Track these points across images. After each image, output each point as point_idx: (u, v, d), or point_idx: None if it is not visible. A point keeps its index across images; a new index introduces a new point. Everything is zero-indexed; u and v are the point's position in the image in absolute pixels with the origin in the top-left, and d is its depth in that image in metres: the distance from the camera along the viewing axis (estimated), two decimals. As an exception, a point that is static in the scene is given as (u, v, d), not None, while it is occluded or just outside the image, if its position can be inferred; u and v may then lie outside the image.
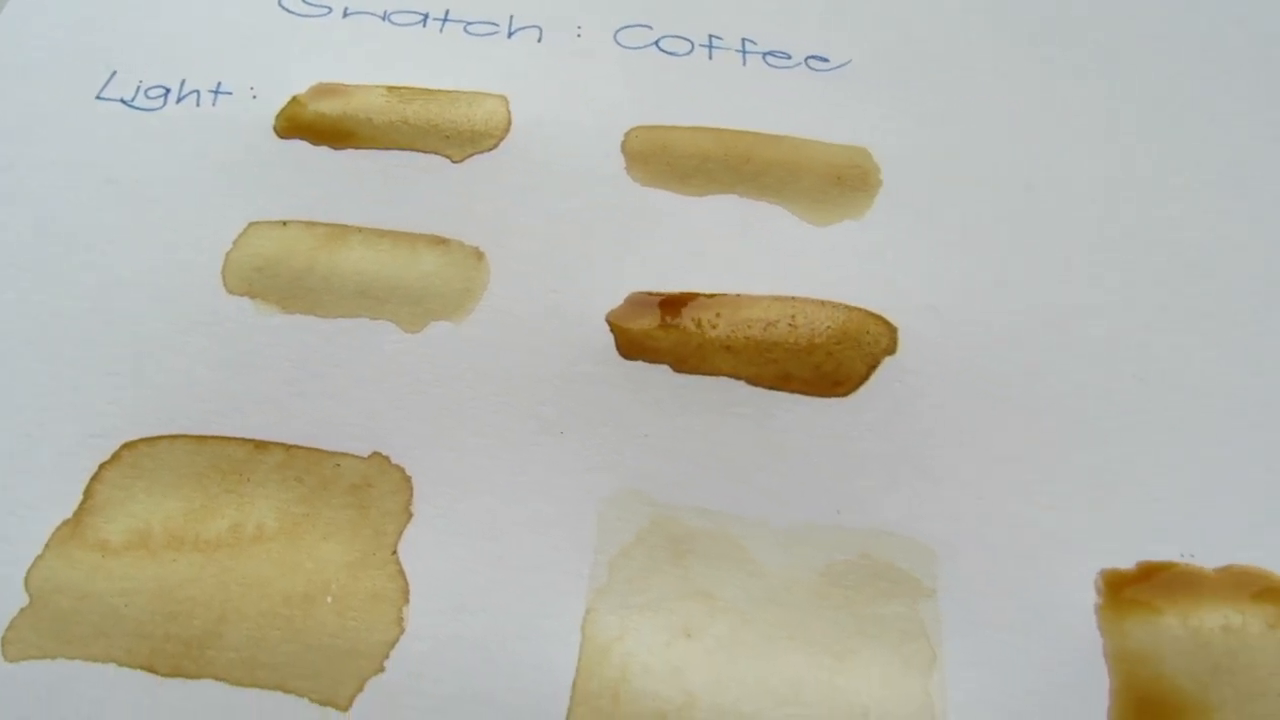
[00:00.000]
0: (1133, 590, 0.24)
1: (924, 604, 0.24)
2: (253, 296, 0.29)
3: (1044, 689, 0.23)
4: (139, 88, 0.33)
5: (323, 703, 0.23)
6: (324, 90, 0.33)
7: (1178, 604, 0.24)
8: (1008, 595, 0.24)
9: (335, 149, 0.31)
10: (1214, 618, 0.24)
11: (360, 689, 0.23)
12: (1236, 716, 0.23)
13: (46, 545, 0.25)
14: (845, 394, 0.27)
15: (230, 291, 0.29)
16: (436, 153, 0.31)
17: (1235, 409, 0.27)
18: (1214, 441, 0.26)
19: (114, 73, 0.33)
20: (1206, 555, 0.25)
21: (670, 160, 0.31)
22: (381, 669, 0.24)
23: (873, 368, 0.27)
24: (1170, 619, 0.24)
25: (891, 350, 0.28)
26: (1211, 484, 0.26)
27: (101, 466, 0.26)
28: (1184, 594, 0.24)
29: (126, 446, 0.27)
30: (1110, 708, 0.23)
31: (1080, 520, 0.25)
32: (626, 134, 0.32)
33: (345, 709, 0.23)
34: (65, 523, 0.26)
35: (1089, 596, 0.24)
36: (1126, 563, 0.25)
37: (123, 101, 0.33)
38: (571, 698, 0.23)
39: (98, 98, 0.33)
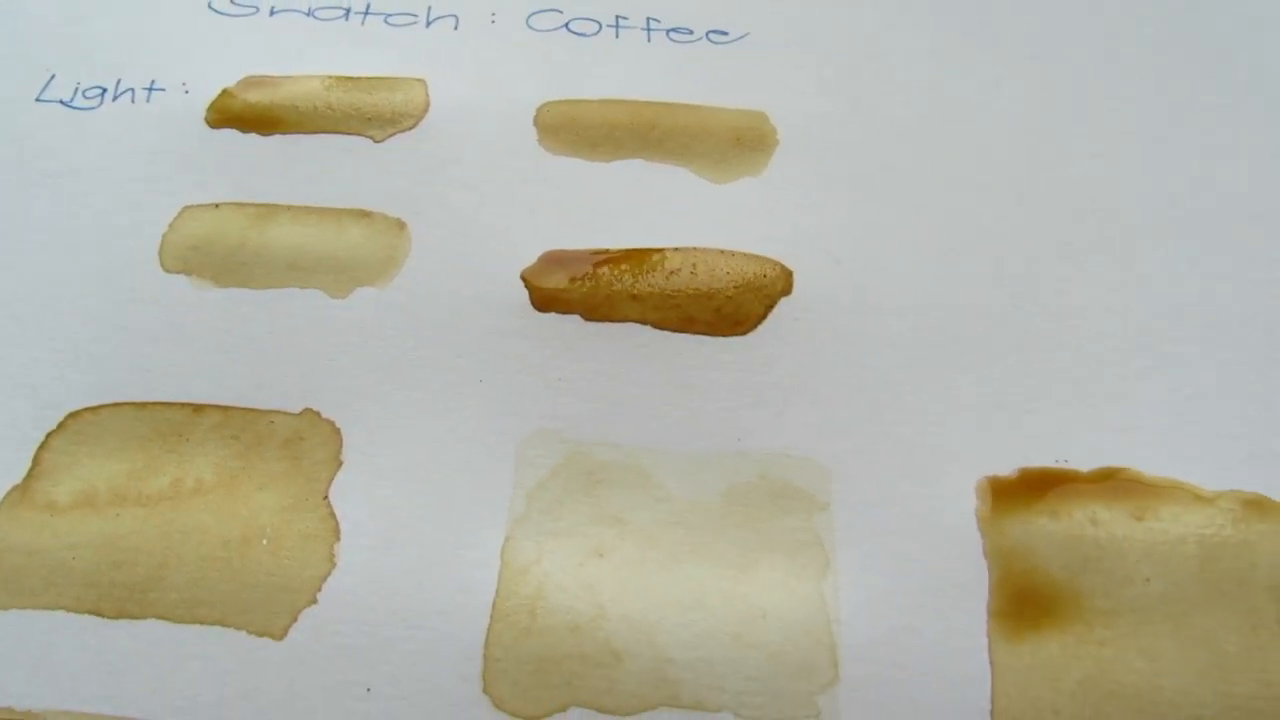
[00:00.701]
0: (1011, 494, 0.26)
1: (819, 517, 0.26)
2: (189, 273, 0.31)
3: (930, 586, 0.25)
4: (77, 88, 0.35)
5: (259, 634, 0.25)
6: (252, 82, 0.34)
7: (1051, 504, 0.26)
8: (896, 505, 0.26)
9: (263, 135, 0.33)
10: (1083, 514, 0.26)
11: (294, 620, 0.25)
12: (1105, 602, 0.25)
13: (-2, 509, 0.27)
14: (744, 333, 0.29)
15: (167, 270, 0.31)
16: (359, 134, 0.33)
17: (1104, 331, 0.29)
18: (1085, 360, 0.28)
19: (52, 76, 0.35)
20: (1080, 460, 0.27)
21: (580, 131, 0.33)
22: (314, 601, 0.25)
23: (769, 308, 0.29)
24: (1044, 518, 0.26)
25: (787, 291, 0.30)
26: (1083, 397, 0.28)
27: (49, 435, 0.28)
28: (1058, 495, 0.27)
29: (71, 416, 0.28)
30: (990, 600, 0.25)
31: (963, 435, 0.27)
32: (538, 108, 0.34)
33: (280, 638, 0.25)
34: (14, 488, 0.27)
35: (970, 502, 0.26)
36: (1006, 470, 0.27)
37: (61, 102, 0.34)
38: (491, 616, 0.25)
39: (37, 100, 0.35)
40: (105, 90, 0.35)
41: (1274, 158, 0.32)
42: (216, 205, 0.32)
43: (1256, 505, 0.26)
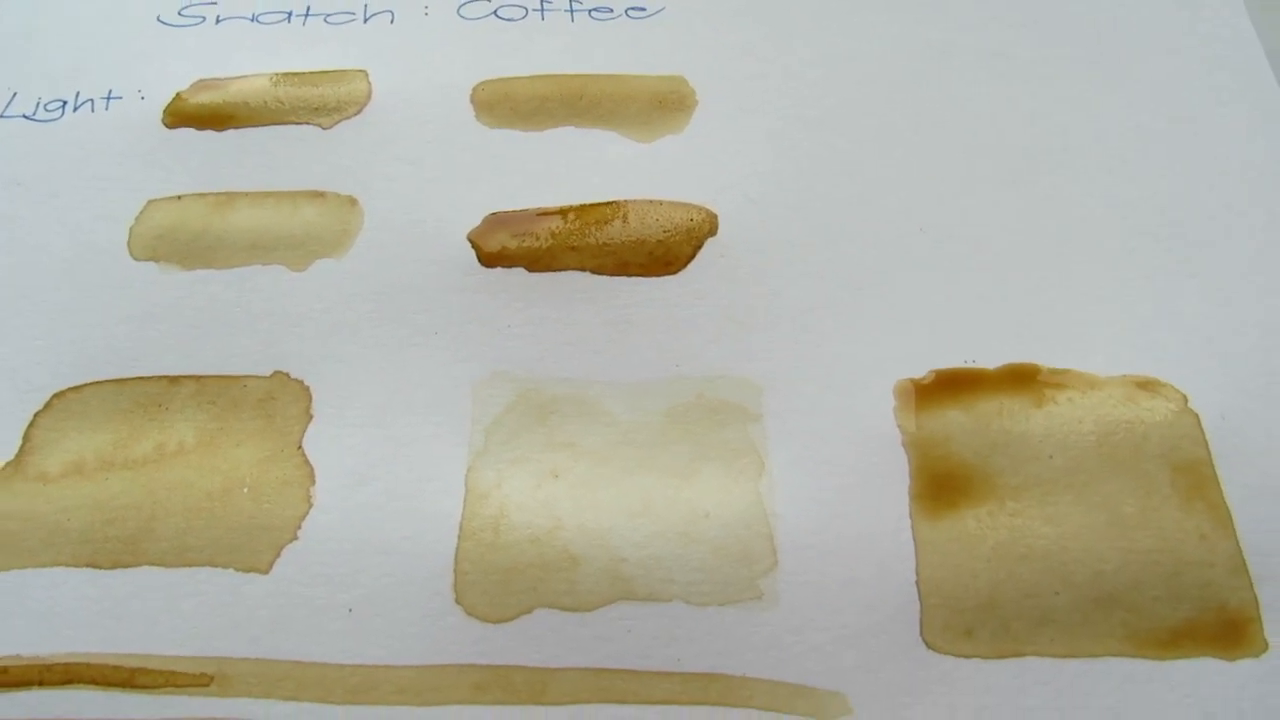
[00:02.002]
0: (925, 393, 0.29)
1: (752, 427, 0.29)
2: (157, 260, 0.33)
3: (856, 478, 0.28)
4: (39, 103, 0.37)
5: (246, 570, 0.27)
6: (203, 85, 0.37)
7: (961, 398, 0.29)
8: (822, 412, 0.29)
9: (218, 131, 0.36)
10: (991, 405, 0.29)
11: (278, 555, 0.27)
12: (1014, 478, 0.28)
13: (-7, 484, 0.29)
14: (675, 272, 0.32)
15: (136, 258, 0.33)
16: (308, 123, 0.36)
17: (1003, 249, 0.32)
18: (986, 274, 0.31)
19: (15, 94, 0.37)
20: (986, 359, 0.30)
21: (513, 105, 0.36)
22: (295, 537, 0.28)
23: (698, 248, 0.32)
24: (955, 410, 0.29)
25: (713, 233, 0.32)
26: (987, 305, 0.31)
27: (36, 415, 0.30)
28: (967, 390, 0.29)
29: (56, 396, 0.31)
30: (910, 485, 0.28)
31: (880, 347, 0.30)
32: (474, 88, 0.36)
33: (266, 572, 0.27)
34: (7, 464, 0.29)
35: (889, 403, 0.29)
36: (920, 373, 0.30)
37: (25, 117, 0.37)
38: (459, 535, 0.27)
39: (1, 116, 0.37)
40: (66, 102, 0.37)
41: (1147, 94, 0.35)
42: (178, 197, 0.34)
43: (1145, 385, 0.29)
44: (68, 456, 0.29)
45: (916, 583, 0.26)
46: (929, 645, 0.26)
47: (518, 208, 0.33)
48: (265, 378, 0.30)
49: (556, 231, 0.32)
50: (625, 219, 0.32)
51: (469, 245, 0.32)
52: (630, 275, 0.32)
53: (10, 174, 0.35)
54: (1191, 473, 0.28)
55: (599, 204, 0.33)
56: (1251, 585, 0.26)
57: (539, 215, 0.33)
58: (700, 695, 0.25)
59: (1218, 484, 0.27)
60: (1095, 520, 0.27)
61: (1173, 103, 0.34)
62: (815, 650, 0.26)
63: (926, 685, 0.25)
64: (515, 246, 0.32)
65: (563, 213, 0.33)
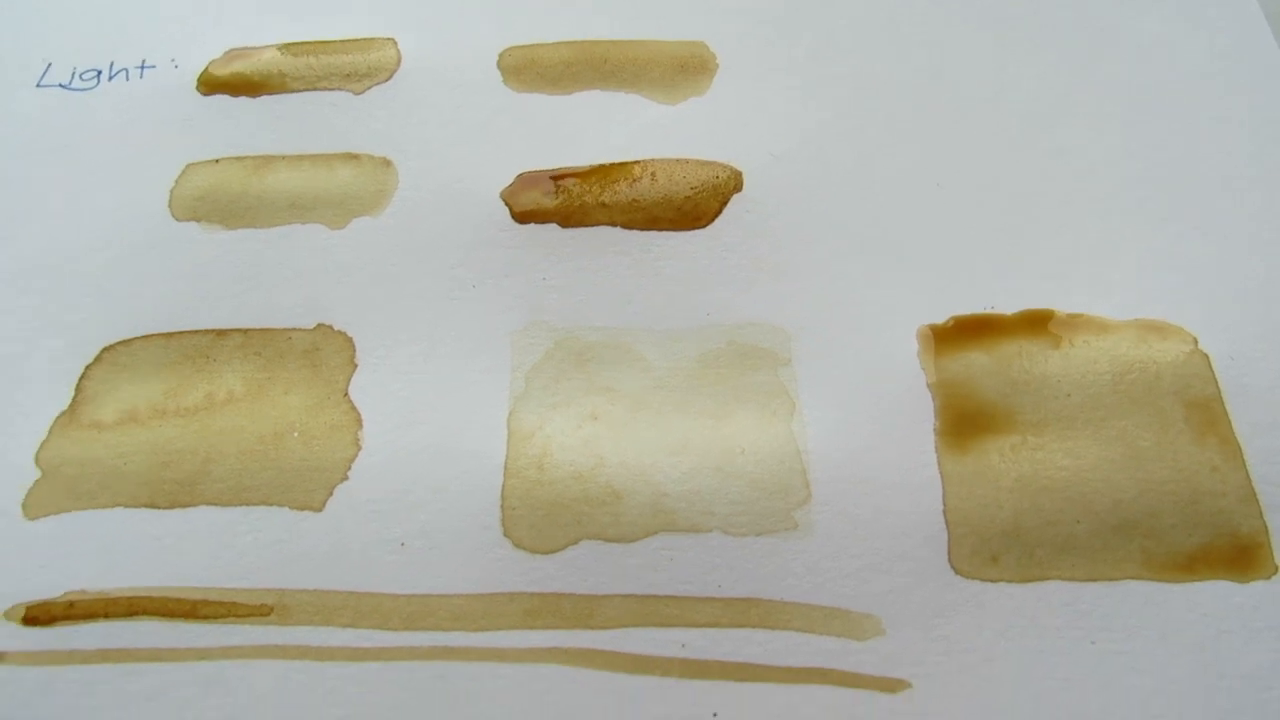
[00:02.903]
0: (947, 337, 0.30)
1: (783, 370, 0.30)
2: (199, 220, 0.34)
3: (883, 417, 0.29)
4: (74, 72, 0.38)
5: (300, 508, 0.28)
6: (235, 54, 0.38)
7: (982, 342, 0.30)
8: (849, 356, 0.30)
9: (252, 98, 0.37)
10: (1011, 348, 0.30)
11: (330, 494, 0.28)
12: (1035, 415, 0.29)
13: (49, 432, 0.30)
14: (704, 226, 0.33)
15: (178, 219, 0.34)
16: (340, 89, 0.37)
17: (1017, 202, 0.33)
18: (1002, 224, 0.32)
19: (49, 64, 0.38)
20: (1005, 305, 0.31)
21: (540, 70, 0.37)
22: (346, 477, 0.29)
23: (724, 203, 0.33)
24: (977, 353, 0.30)
25: (739, 189, 0.33)
26: (1005, 254, 0.32)
27: (87, 368, 0.31)
28: (987, 334, 0.30)
29: (106, 349, 0.32)
30: (936, 423, 0.29)
31: (902, 293, 0.31)
32: (500, 53, 0.37)
33: (319, 510, 0.28)
34: (62, 414, 0.30)
35: (913, 347, 0.30)
36: (941, 319, 0.31)
37: (61, 86, 0.38)
38: (504, 473, 0.28)
39: (38, 85, 0.38)
40: (100, 72, 0.38)
41: (1152, 53, 0.36)
42: (216, 161, 0.35)
43: (1157, 329, 0.30)
44: (121, 406, 0.30)
45: (944, 513, 0.28)
46: (957, 571, 0.27)
47: (548, 167, 0.34)
48: (309, 330, 0.32)
49: (587, 189, 0.33)
50: (654, 177, 0.33)
51: (502, 203, 0.33)
52: (660, 229, 0.33)
53: (51, 141, 0.36)
54: (1203, 409, 0.29)
55: (628, 162, 0.34)
56: (1261, 513, 0.27)
57: (569, 174, 0.34)
58: (740, 619, 0.26)
59: (1228, 420, 0.29)
60: (1113, 453, 0.28)
61: (1177, 62, 0.35)
62: (849, 576, 0.27)
63: (955, 607, 0.26)
64: (547, 204, 0.33)
65: (593, 171, 0.34)
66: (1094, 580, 0.27)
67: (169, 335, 0.32)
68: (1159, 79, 0.35)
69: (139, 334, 0.32)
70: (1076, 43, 0.36)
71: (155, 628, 0.27)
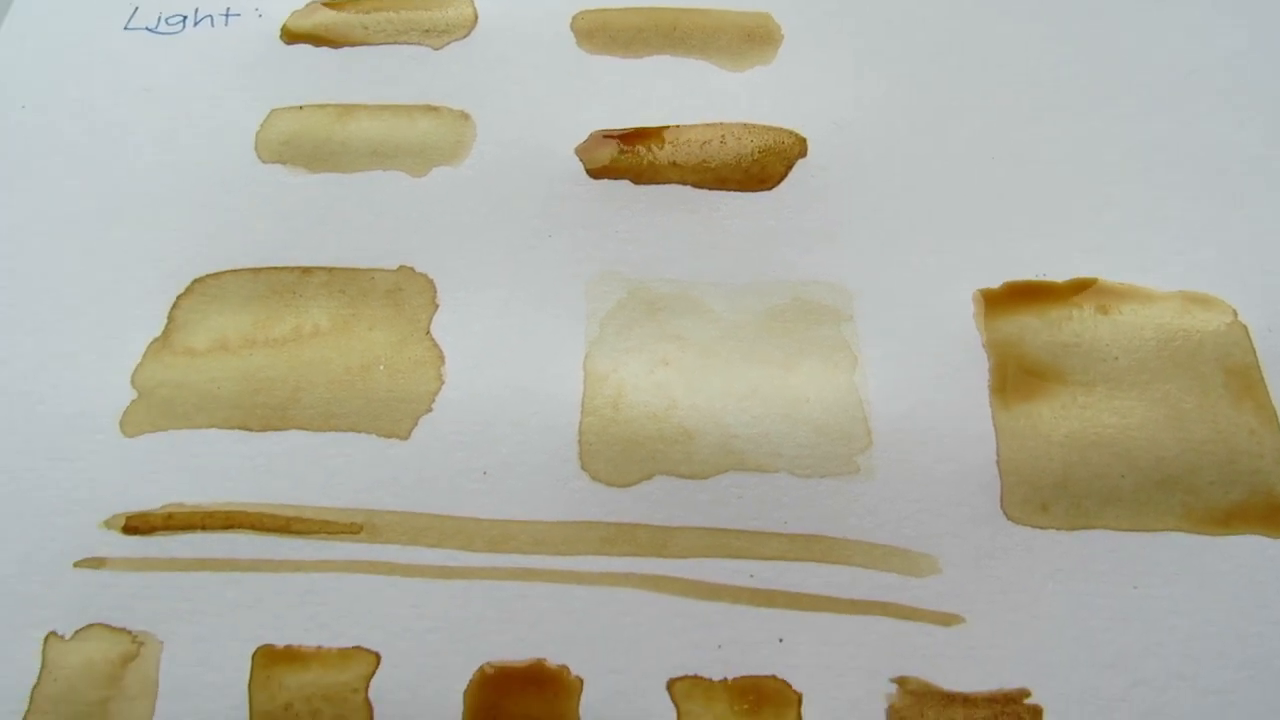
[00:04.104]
0: (1000, 301, 0.32)
1: (845, 326, 0.32)
2: (284, 163, 0.35)
3: (940, 373, 0.31)
4: (160, 17, 0.39)
5: (387, 436, 0.30)
6: (318, 5, 0.39)
7: (1034, 306, 0.32)
8: (908, 315, 0.32)
9: (334, 49, 0.38)
10: (1061, 312, 0.32)
11: (415, 424, 0.30)
12: (1084, 376, 0.31)
13: (143, 356, 0.31)
14: (770, 188, 0.34)
15: (264, 161, 0.35)
16: (419, 44, 0.38)
17: (1066, 176, 0.35)
18: (1053, 197, 0.34)
19: (136, 8, 0.39)
20: (1056, 273, 0.33)
21: (611, 34, 0.38)
22: (431, 409, 0.30)
23: (789, 168, 0.35)
24: (1029, 316, 0.32)
25: (803, 154, 0.35)
26: (1053, 225, 0.33)
27: (179, 298, 0.33)
28: (1039, 298, 0.32)
29: (197, 281, 0.33)
30: (990, 380, 0.31)
31: (958, 258, 0.33)
32: (573, 17, 0.39)
33: (406, 438, 0.30)
34: (155, 340, 0.32)
35: (968, 308, 0.32)
36: (995, 283, 0.32)
37: (147, 29, 0.39)
38: (581, 411, 0.30)
39: (125, 28, 0.39)
40: (185, 17, 0.39)
41: (1200, 33, 0.38)
42: (300, 107, 0.37)
43: (1200, 300, 0.32)
44: (212, 334, 0.32)
45: (997, 463, 0.29)
46: (1009, 517, 0.28)
47: (621, 126, 0.36)
48: (392, 270, 0.33)
49: (659, 148, 0.35)
50: (723, 140, 0.35)
51: (577, 159, 0.35)
52: (728, 190, 0.34)
53: (140, 82, 0.37)
54: (1241, 376, 0.31)
55: (698, 125, 0.35)
56: (1294, 475, 0.29)
57: (642, 133, 0.35)
58: (805, 553, 0.28)
59: (1264, 387, 0.30)
60: (1157, 414, 0.30)
61: (1222, 42, 0.37)
62: (907, 518, 0.28)
63: (1007, 551, 0.28)
64: (621, 160, 0.35)
65: (664, 131, 0.35)
66: (1137, 530, 0.28)
67: (256, 270, 0.33)
68: (1204, 59, 0.36)
69: (228, 268, 0.33)
70: (1127, 23, 0.38)
71: (250, 540, 0.28)
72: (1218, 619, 0.27)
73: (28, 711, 0.27)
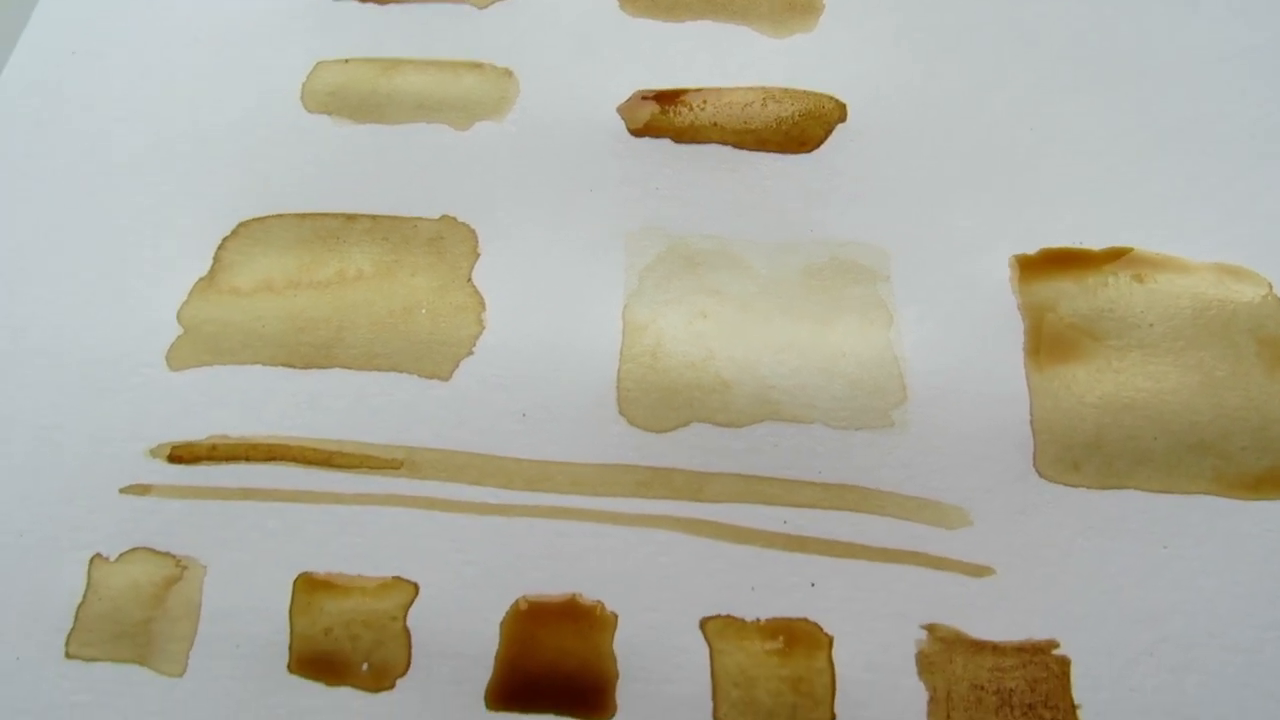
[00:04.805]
0: (1037, 266, 0.32)
1: (881, 285, 0.32)
2: (329, 113, 0.36)
3: (975, 334, 0.31)
4: (209, -30, 0.40)
5: (429, 376, 0.30)
6: (364, -37, 0.40)
7: (1071, 272, 0.32)
8: (944, 277, 0.32)
9: (380, 5, 0.39)
10: (1097, 278, 0.32)
11: (456, 366, 0.30)
12: (1119, 341, 0.31)
13: (190, 294, 0.32)
14: (809, 151, 0.35)
15: (310, 111, 0.36)
16: (464, 2, 0.38)
17: (1104, 148, 0.35)
18: (1089, 170, 0.34)
19: (185, -38, 0.40)
20: (1092, 240, 0.33)
21: (654, -1, 0.39)
22: (471, 352, 0.31)
23: (829, 132, 0.35)
24: (1065, 281, 0.32)
25: (843, 119, 0.35)
26: (1090, 196, 0.34)
27: (225, 239, 0.33)
28: (1075, 265, 0.32)
29: (243, 224, 0.34)
30: (1025, 342, 0.31)
31: (995, 224, 0.33)
32: (617, -20, 0.39)
33: (447, 379, 0.30)
34: (201, 279, 0.32)
35: (1005, 272, 0.32)
36: (1031, 249, 0.33)
37: (196, -19, 0.39)
38: (620, 359, 0.30)
39: (174, -21, 0.39)
40: (235, -30, 0.40)
41: (1236, 11, 0.38)
42: (346, 60, 0.37)
43: (1234, 272, 0.32)
44: (257, 275, 0.32)
45: (1030, 422, 0.29)
46: (1041, 475, 0.29)
47: (662, 86, 0.36)
48: (434, 220, 0.33)
49: (700, 109, 0.35)
50: (764, 103, 0.35)
51: (619, 117, 0.35)
52: (768, 151, 0.35)
53: (188, 33, 0.38)
54: (1274, 347, 0.31)
55: (740, 87, 0.36)
56: (1325, 445, 0.29)
57: (684, 93, 0.36)
58: (838, 502, 0.28)
59: (1298, 358, 0.31)
60: (1190, 380, 0.30)
61: (1267, 19, 0.37)
62: (940, 472, 0.29)
63: (1038, 507, 0.28)
64: (662, 119, 0.35)
65: (705, 92, 0.36)
66: (1168, 492, 0.29)
67: (301, 215, 0.34)
68: (1246, 36, 0.37)
69: (273, 212, 0.34)
70: (1164, 3, 0.38)
71: (293, 472, 0.29)
72: (1246, 580, 0.27)
73: (73, 629, 0.27)
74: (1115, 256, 0.32)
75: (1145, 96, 0.36)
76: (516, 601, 0.27)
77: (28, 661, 0.27)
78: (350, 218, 0.34)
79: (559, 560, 0.28)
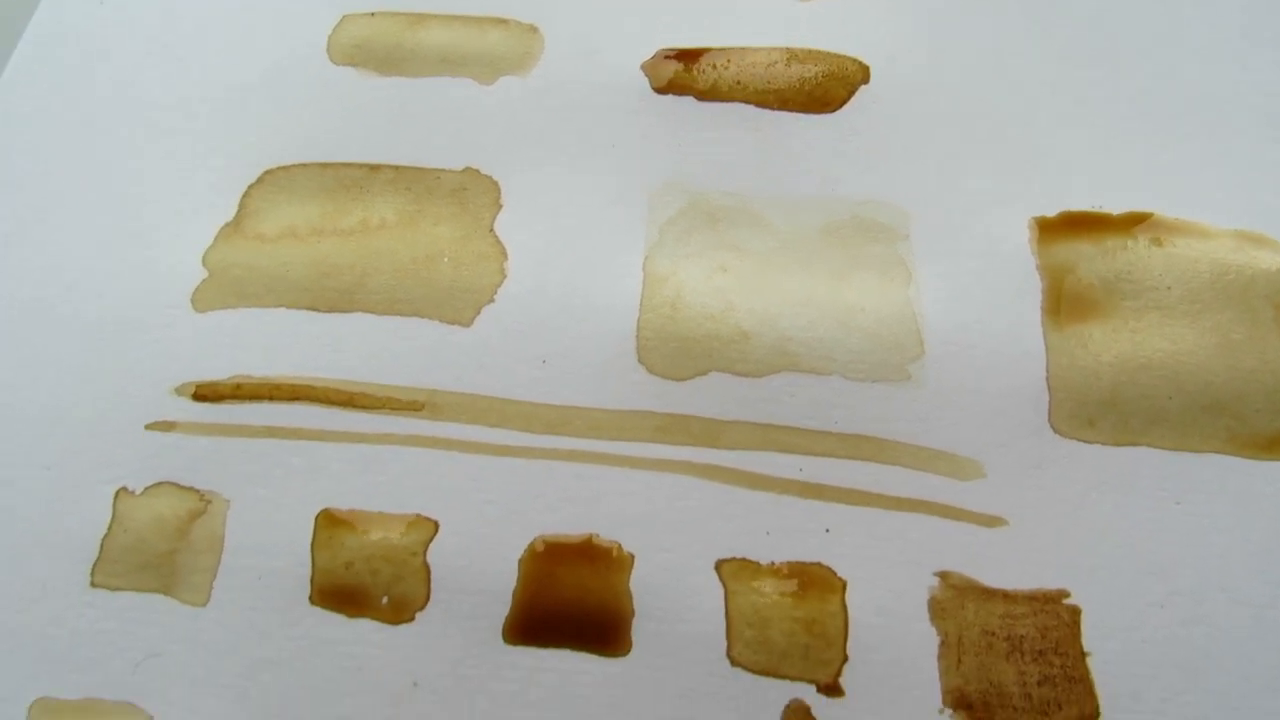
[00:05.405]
0: (1055, 228, 0.32)
1: (901, 244, 0.32)
2: (355, 65, 0.36)
3: (993, 293, 0.31)
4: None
5: (450, 322, 0.31)
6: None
7: (1089, 234, 0.32)
8: (963, 237, 0.32)
9: (407, -37, 0.39)
10: (1116, 242, 0.32)
11: (478, 313, 0.31)
12: (1136, 303, 0.31)
13: (215, 239, 0.32)
14: (832, 112, 0.35)
15: (335, 63, 0.36)
16: (491, -41, 0.39)
17: (1128, 112, 0.35)
18: (1111, 135, 0.34)
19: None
20: (1111, 204, 0.33)
21: (680, -41, 0.39)
22: (493, 300, 0.31)
23: (851, 93, 0.35)
24: (1084, 243, 0.32)
25: (865, 81, 0.35)
26: (1111, 160, 0.34)
27: (250, 186, 0.34)
28: (1094, 228, 0.32)
29: (268, 172, 0.34)
30: (1043, 301, 0.31)
31: (1015, 186, 0.33)
32: (643, -59, 0.39)
33: (469, 325, 0.31)
34: (227, 224, 0.33)
35: (1024, 234, 0.32)
36: (1051, 211, 0.33)
37: (223, -65, 0.40)
38: (640, 309, 0.31)
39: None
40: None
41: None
42: (372, 14, 0.37)
43: (1253, 239, 0.32)
44: (282, 222, 0.33)
45: (1046, 378, 0.30)
46: (1056, 430, 0.29)
47: (686, 45, 0.36)
48: (457, 171, 0.34)
49: (724, 68, 0.35)
50: (787, 63, 0.36)
51: (642, 74, 0.35)
52: (790, 111, 0.35)
53: (216, -17, 0.38)
54: (1292, 312, 0.31)
55: (763, 47, 0.36)
56: (1339, 408, 0.29)
57: (708, 52, 0.36)
58: (854, 451, 0.28)
59: (1314, 323, 0.31)
60: (1207, 342, 0.30)
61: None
62: (955, 425, 0.29)
63: (1053, 461, 0.29)
64: (685, 77, 0.35)
65: (729, 51, 0.36)
66: (1182, 450, 0.29)
67: (325, 165, 0.34)
68: (1264, 17, 0.37)
69: (298, 161, 0.34)
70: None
71: (316, 412, 0.29)
72: (1257, 538, 0.28)
73: (98, 560, 0.28)
74: (1135, 221, 0.33)
75: (1170, 63, 0.36)
76: (533, 542, 0.27)
77: (53, 590, 0.27)
78: (374, 168, 0.34)
79: (577, 502, 0.28)
